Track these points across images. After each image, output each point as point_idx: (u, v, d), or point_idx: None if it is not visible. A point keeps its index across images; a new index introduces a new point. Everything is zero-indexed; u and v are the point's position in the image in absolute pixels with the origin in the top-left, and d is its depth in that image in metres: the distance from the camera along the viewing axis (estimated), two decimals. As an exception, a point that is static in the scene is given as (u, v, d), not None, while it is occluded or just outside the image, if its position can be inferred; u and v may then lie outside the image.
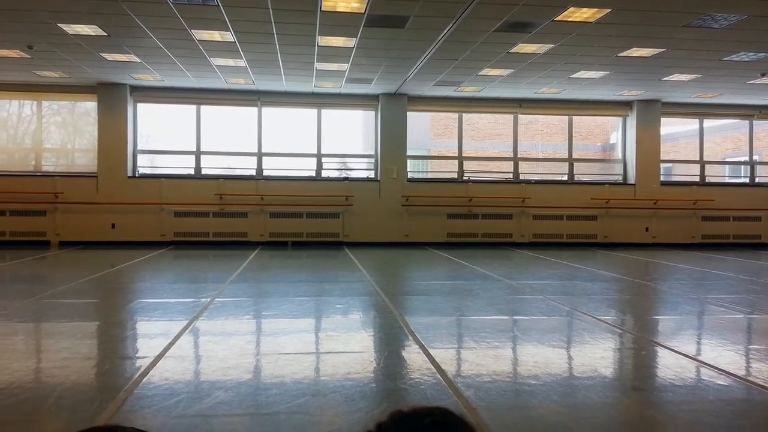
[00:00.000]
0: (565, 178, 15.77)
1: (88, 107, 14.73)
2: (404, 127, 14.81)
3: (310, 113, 15.03)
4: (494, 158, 18.32)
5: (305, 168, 15.02)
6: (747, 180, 16.59)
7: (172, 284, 8.26)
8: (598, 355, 5.00)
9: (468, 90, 13.94)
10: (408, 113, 14.87)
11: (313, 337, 5.83)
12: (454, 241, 14.60)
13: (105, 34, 9.71)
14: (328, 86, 13.64)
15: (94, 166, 14.15)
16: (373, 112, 15.12)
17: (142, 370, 4.26)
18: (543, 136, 23.09)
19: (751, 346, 5.61)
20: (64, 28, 9.41)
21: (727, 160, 20.45)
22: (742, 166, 17.45)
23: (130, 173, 14.21)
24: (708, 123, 16.50)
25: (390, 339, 5.53)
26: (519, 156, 15.69)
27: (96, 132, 14.11)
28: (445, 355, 4.82)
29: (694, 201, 15.26)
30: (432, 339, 5.30)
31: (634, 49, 10.29)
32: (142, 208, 13.94)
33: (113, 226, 13.89)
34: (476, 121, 23.70)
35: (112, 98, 13.95)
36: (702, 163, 15.96)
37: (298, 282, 8.85)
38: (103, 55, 11.13)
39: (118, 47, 10.60)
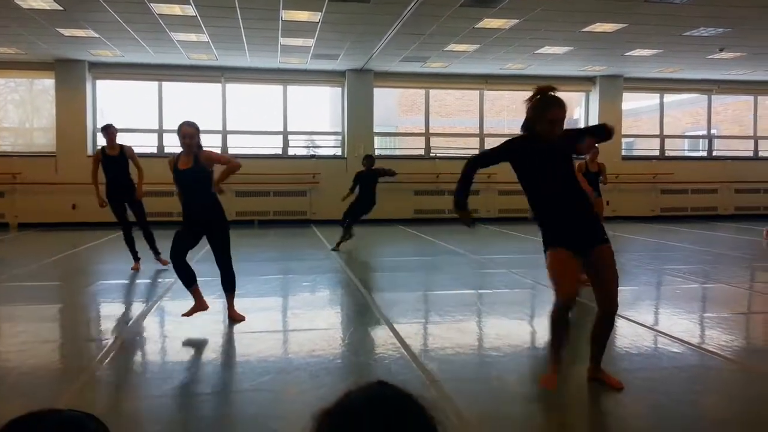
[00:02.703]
0: (531, 153, 15.91)
1: (46, 85, 14.27)
2: (371, 104, 14.72)
3: (276, 90, 14.82)
4: (461, 134, 18.39)
5: (271, 146, 14.86)
6: (705, 153, 17.00)
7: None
8: (558, 327, 5.12)
9: (435, 66, 13.91)
10: (375, 90, 14.78)
11: (279, 316, 5.84)
12: (422, 218, 14.68)
13: (61, 8, 9.37)
14: (293, 62, 13.45)
15: (53, 145, 13.76)
16: (340, 89, 14.99)
17: (102, 352, 4.21)
18: (509, 112, 23.20)
19: (705, 314, 5.81)
20: (18, 2, 9.05)
21: (686, 134, 20.88)
22: (701, 140, 17.85)
23: (90, 152, 13.86)
24: (668, 98, 16.79)
25: (356, 315, 5.57)
26: (485, 132, 15.78)
27: (54, 110, 13.72)
28: (409, 330, 4.88)
29: (654, 174, 15.60)
30: (397, 314, 5.35)
31: (597, 24, 10.37)
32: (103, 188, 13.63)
33: (74, 206, 13.58)
34: (444, 97, 23.65)
35: (71, 75, 13.53)
36: (662, 138, 16.27)
37: (264, 261, 8.81)
38: (59, 30, 10.76)
39: (74, 22, 10.26)
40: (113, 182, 7.70)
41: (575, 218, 3.47)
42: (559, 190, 3.47)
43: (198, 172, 4.94)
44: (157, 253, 7.85)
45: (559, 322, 3.53)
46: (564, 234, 3.45)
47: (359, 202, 9.68)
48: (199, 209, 4.98)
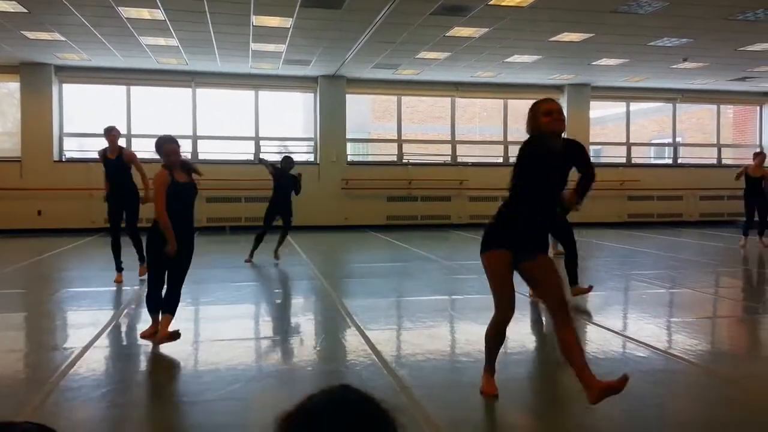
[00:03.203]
0: (501, 160, 16.10)
1: (11, 88, 13.96)
2: (343, 110, 14.73)
3: (248, 95, 14.73)
4: (433, 141, 18.50)
5: (243, 151, 14.75)
6: (670, 161, 17.39)
7: (102, 272, 7.97)
8: (526, 331, 5.18)
9: (406, 73, 13.99)
10: (347, 96, 14.79)
11: (250, 323, 5.79)
12: (394, 224, 14.71)
13: (25, 10, 9.19)
14: (265, 67, 13.39)
15: (18, 150, 13.46)
16: (312, 95, 14.97)
17: (68, 361, 4.13)
18: (480, 119, 23.44)
19: (670, 319, 5.94)
20: (-21, 4, 8.86)
21: (652, 142, 21.33)
22: (666, 148, 18.25)
23: (56, 157, 13.59)
24: (634, 106, 17.14)
25: (327, 322, 5.56)
26: (457, 139, 15.91)
27: (20, 114, 13.42)
28: (381, 336, 4.88)
29: (621, 182, 15.89)
30: (369, 321, 5.35)
31: (565, 33, 10.56)
32: (70, 194, 13.38)
33: (39, 212, 13.28)
34: (416, 104, 23.79)
35: (36, 79, 13.25)
36: (628, 145, 16.61)
37: (236, 267, 8.73)
38: (24, 33, 10.55)
39: (40, 25, 10.07)
40: (113, 186, 7.47)
41: (541, 223, 3.49)
42: (545, 196, 3.47)
43: (195, 187, 4.76)
44: (142, 260, 7.40)
45: (499, 338, 3.57)
46: (522, 234, 3.41)
47: (272, 203, 9.29)
48: (188, 226, 4.74)
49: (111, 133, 7.46)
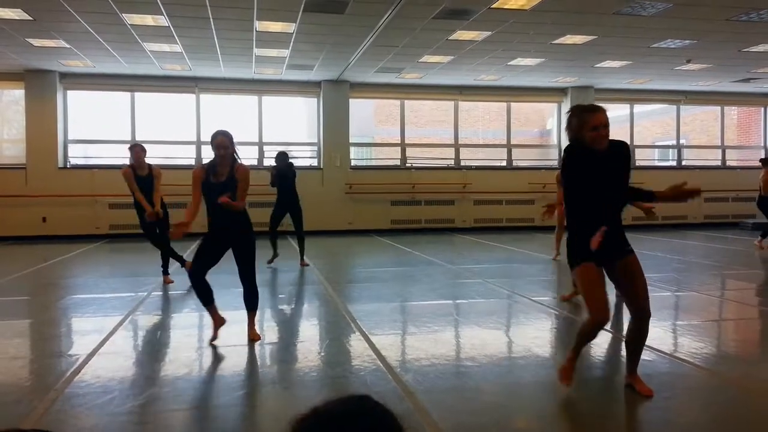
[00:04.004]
0: (504, 163, 16.10)
1: (16, 95, 14.03)
2: (347, 114, 14.76)
3: (251, 100, 14.78)
4: (436, 145, 18.50)
5: (247, 156, 14.76)
6: (674, 163, 17.33)
7: (107, 279, 8.01)
8: (532, 335, 5.16)
9: (409, 77, 14.00)
10: (350, 100, 14.82)
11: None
12: (398, 228, 14.71)
13: (30, 18, 9.25)
14: (268, 73, 13.43)
15: (23, 157, 13.52)
16: (315, 99, 15.00)
17: (74, 368, 4.13)
18: (483, 123, 23.39)
19: (676, 322, 5.91)
20: (-16, 12, 8.92)
21: (656, 144, 21.26)
22: (670, 150, 18.20)
23: (60, 164, 13.65)
24: (638, 108, 17.12)
25: (332, 327, 5.55)
26: (460, 142, 15.91)
27: (25, 121, 13.48)
28: (385, 341, 4.87)
29: (627, 184, 15.83)
30: (373, 326, 5.35)
31: (568, 36, 10.55)
32: (75, 201, 13.43)
33: (44, 219, 13.33)
34: (419, 108, 23.79)
35: (41, 86, 13.32)
36: (632, 148, 16.53)
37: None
38: (29, 40, 10.61)
39: (44, 32, 10.12)
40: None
41: (610, 228, 3.45)
42: (602, 200, 3.47)
43: (232, 187, 4.74)
44: (166, 271, 7.79)
45: (587, 336, 3.65)
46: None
47: (277, 204, 9.36)
48: (229, 222, 4.79)
49: (135, 150, 7.46)
